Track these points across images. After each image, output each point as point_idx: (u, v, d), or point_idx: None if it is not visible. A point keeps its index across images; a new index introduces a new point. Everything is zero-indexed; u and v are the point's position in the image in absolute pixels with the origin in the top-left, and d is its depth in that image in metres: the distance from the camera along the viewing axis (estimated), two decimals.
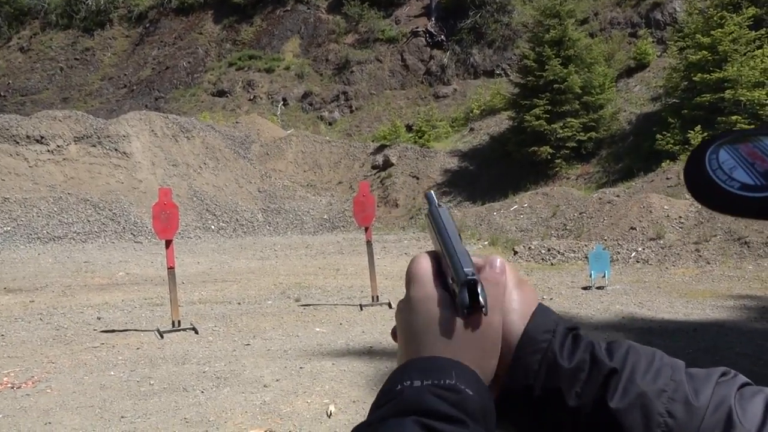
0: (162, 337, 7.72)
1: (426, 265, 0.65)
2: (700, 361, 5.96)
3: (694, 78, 17.92)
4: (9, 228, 17.26)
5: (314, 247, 17.16)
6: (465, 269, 0.59)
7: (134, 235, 18.52)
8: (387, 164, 23.70)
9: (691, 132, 16.81)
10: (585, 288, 9.90)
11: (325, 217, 22.50)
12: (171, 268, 8.14)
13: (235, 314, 8.95)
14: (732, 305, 8.30)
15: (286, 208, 22.68)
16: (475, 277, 0.58)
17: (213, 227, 20.64)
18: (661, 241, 12.13)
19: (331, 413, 5.06)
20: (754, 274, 10.25)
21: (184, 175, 21.88)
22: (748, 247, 11.11)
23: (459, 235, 0.65)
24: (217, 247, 17.49)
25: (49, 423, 4.95)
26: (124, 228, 18.69)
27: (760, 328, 7.16)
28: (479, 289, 0.58)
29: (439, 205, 0.70)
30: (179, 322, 8.03)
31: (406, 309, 0.65)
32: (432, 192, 0.72)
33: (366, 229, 9.63)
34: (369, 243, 9.58)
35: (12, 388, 5.84)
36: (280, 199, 23.07)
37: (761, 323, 7.38)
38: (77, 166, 19.98)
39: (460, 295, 0.58)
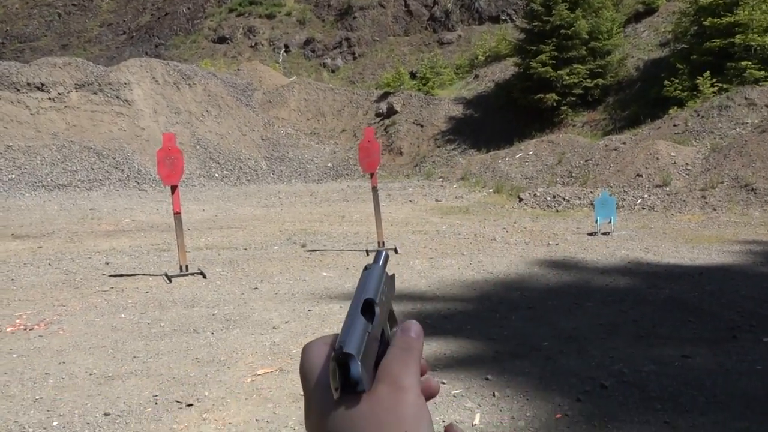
0: (170, 281, 7.79)
1: (314, 358, 0.54)
2: (706, 302, 6.01)
3: (704, 22, 17.54)
4: (14, 176, 17.26)
5: (319, 194, 17.16)
6: (339, 339, 0.50)
7: (138, 183, 18.52)
8: (391, 112, 23.49)
9: (700, 78, 16.56)
10: (590, 234, 9.91)
11: (329, 165, 22.43)
12: (177, 214, 8.15)
13: (242, 259, 9.00)
14: (738, 250, 8.30)
15: (290, 156, 22.60)
16: (347, 350, 0.48)
17: (217, 175, 20.62)
18: (668, 188, 12.08)
19: None
20: (760, 220, 10.23)
21: (186, 123, 21.73)
22: (755, 193, 11.06)
23: (374, 297, 0.55)
24: (222, 195, 17.50)
25: (64, 362, 5.03)
26: (128, 176, 18.68)
27: (766, 271, 7.18)
28: (351, 363, 0.48)
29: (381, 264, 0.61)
30: (187, 266, 8.08)
31: (306, 413, 0.54)
32: (384, 253, 0.63)
33: (371, 175, 9.59)
34: (374, 189, 9.55)
35: (25, 329, 5.93)
36: (283, 147, 22.96)
37: (767, 267, 7.40)
38: (79, 113, 19.83)
39: (331, 373, 0.49)
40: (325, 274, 8.05)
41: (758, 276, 6.95)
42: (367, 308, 0.54)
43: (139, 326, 6.00)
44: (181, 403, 4.24)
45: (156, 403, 4.23)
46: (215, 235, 11.20)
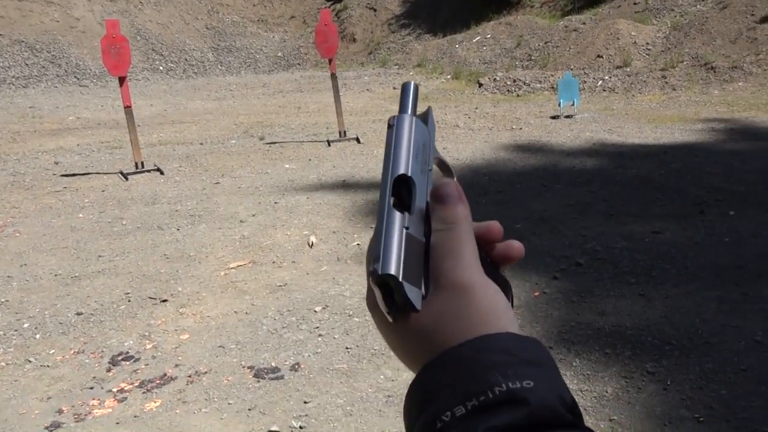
0: (127, 178, 7.50)
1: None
2: (672, 180, 6.08)
3: None
4: None
5: (271, 85, 16.58)
6: (374, 255, 0.42)
7: (78, 79, 17.51)
8: None
9: None
10: (553, 117, 9.84)
11: (280, 54, 21.57)
12: (128, 107, 7.72)
13: (199, 154, 8.71)
14: (700, 128, 8.37)
15: (238, 46, 21.61)
16: (386, 271, 0.41)
17: (161, 68, 19.64)
18: (628, 69, 11.99)
19: (312, 243, 5.07)
20: (720, 98, 10.29)
21: (124, 11, 20.37)
22: (714, 72, 11.07)
23: (407, 169, 0.45)
24: (169, 89, 16.75)
25: (25, 264, 4.83)
26: (66, 71, 17.62)
27: (728, 148, 7.28)
28: (393, 286, 0.41)
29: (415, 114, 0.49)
30: (142, 163, 7.78)
31: (371, 314, 0.48)
32: (411, 86, 0.50)
33: (330, 61, 9.19)
34: (333, 76, 9.18)
35: None
36: (230, 36, 21.89)
37: (729, 144, 7.50)
38: (5, 3, 18.32)
39: (378, 300, 0.42)
40: (287, 166, 7.86)
41: (721, 153, 7.05)
42: (401, 185, 0.45)
43: (100, 225, 5.79)
44: (155, 299, 4.15)
45: (129, 301, 4.12)
46: (167, 130, 10.77)
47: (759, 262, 4.13)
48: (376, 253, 0.42)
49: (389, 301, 0.42)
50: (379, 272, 0.41)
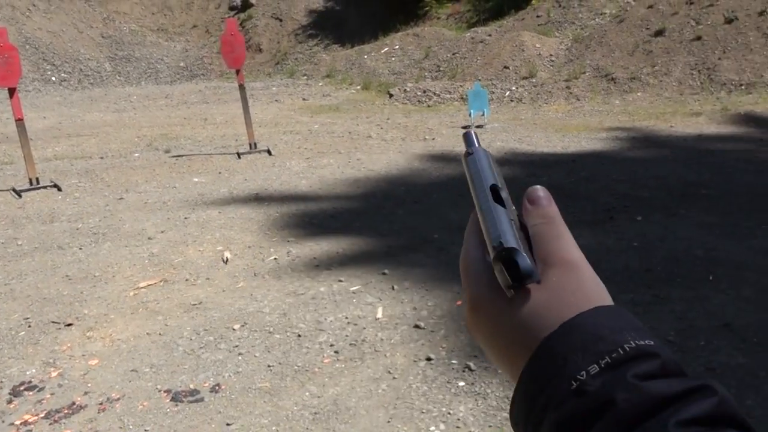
0: (20, 196, 7.00)
1: (473, 254, 0.50)
2: (582, 187, 6.30)
3: None
4: None
5: (175, 96, 16.02)
6: (493, 236, 0.46)
7: None
8: (246, 5, 22.08)
9: None
10: (465, 127, 10.00)
11: (182, 64, 20.94)
12: (20, 120, 7.22)
13: (100, 169, 8.25)
14: (605, 137, 8.73)
15: (137, 56, 20.81)
16: (509, 245, 0.44)
17: (54, 79, 18.60)
18: (534, 80, 12.40)
19: (227, 259, 4.88)
20: (621, 108, 10.81)
21: (10, 18, 19.17)
22: (615, 82, 11.64)
23: (496, 182, 0.51)
24: (63, 101, 15.86)
25: None
26: None
27: (632, 156, 7.62)
28: (517, 258, 0.44)
29: (477, 146, 0.57)
30: (37, 179, 7.29)
31: (471, 318, 0.49)
32: (473, 132, 0.59)
33: (237, 72, 8.97)
34: (242, 87, 8.96)
35: None
36: (128, 45, 21.05)
37: (633, 152, 7.85)
38: None
39: (499, 274, 0.45)
40: (196, 179, 7.58)
41: (626, 160, 7.37)
42: (493, 196, 0.50)
43: None
44: (59, 323, 3.85)
45: (29, 326, 3.80)
46: (63, 144, 10.17)
47: (666, 265, 4.31)
48: (494, 232, 0.45)
49: (514, 274, 0.44)
50: (505, 245, 0.44)
